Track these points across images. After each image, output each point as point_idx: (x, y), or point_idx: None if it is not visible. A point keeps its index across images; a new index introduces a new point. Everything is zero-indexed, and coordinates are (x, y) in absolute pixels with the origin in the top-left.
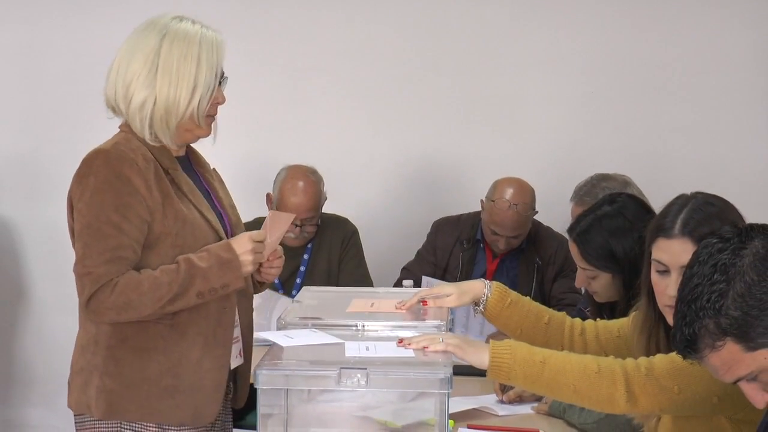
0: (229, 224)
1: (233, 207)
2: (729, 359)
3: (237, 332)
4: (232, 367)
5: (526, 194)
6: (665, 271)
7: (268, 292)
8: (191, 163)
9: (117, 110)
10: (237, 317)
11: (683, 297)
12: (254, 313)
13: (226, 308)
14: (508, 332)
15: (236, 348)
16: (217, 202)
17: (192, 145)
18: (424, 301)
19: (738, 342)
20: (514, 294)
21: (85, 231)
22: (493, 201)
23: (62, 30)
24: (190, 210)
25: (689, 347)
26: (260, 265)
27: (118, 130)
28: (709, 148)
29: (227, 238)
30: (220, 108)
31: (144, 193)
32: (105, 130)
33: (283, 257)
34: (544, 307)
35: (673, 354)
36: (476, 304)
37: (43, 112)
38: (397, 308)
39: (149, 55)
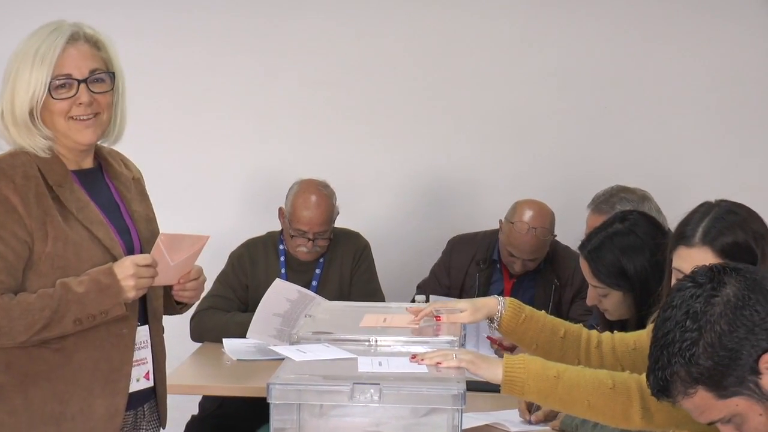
0: (137, 239)
1: (150, 220)
2: (701, 405)
3: (144, 354)
4: (133, 390)
5: (545, 218)
6: None
7: (301, 293)
8: (104, 173)
9: None
10: (145, 338)
11: (657, 340)
12: (280, 321)
13: (124, 332)
14: (524, 347)
15: (139, 371)
16: (128, 215)
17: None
18: (437, 316)
19: (709, 390)
20: (528, 309)
21: None
22: (512, 223)
23: None
24: (75, 229)
25: (662, 392)
26: (172, 286)
27: None
28: (726, 162)
29: (130, 254)
30: (232, 121)
31: (22, 212)
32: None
33: (201, 279)
34: (559, 321)
35: None
36: (491, 320)
37: None
38: (408, 312)
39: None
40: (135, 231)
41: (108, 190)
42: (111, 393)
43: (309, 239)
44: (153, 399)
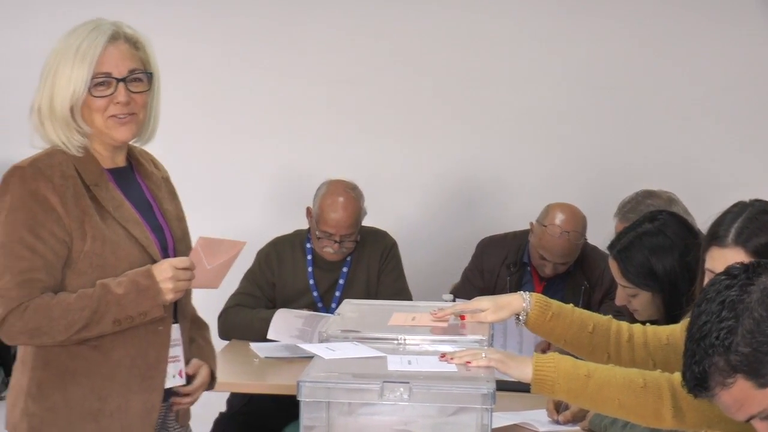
0: (171, 238)
1: (181, 219)
2: (740, 397)
3: (177, 351)
4: (168, 386)
5: (578, 222)
6: None
7: (311, 315)
8: (135, 172)
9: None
10: (177, 336)
11: (692, 335)
12: (297, 335)
13: (160, 329)
14: (552, 341)
15: (174, 368)
16: (160, 214)
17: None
18: (462, 316)
19: (749, 379)
20: (555, 305)
21: (0, 251)
22: (545, 226)
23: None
24: (113, 228)
25: (699, 385)
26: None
27: None
28: (757, 165)
29: (164, 253)
30: (260, 119)
31: (60, 211)
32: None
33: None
34: (588, 314)
35: None
36: (517, 317)
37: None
38: (431, 314)
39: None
40: (168, 229)
41: (140, 189)
42: (147, 389)
43: (335, 241)
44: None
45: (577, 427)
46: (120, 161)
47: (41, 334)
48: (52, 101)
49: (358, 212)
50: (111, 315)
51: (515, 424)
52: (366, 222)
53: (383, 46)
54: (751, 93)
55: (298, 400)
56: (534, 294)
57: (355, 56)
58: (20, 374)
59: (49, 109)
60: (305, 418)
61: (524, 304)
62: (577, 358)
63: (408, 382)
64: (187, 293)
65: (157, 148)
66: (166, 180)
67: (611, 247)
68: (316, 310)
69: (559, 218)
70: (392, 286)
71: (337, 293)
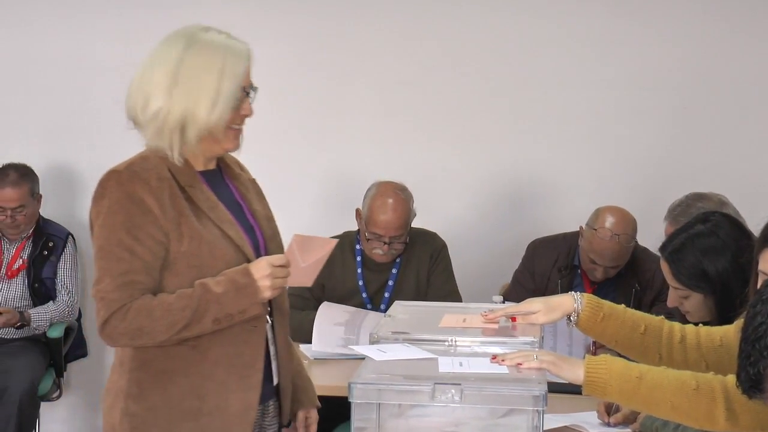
0: (262, 237)
1: (270, 219)
2: None
3: (273, 350)
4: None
5: (628, 225)
6: None
7: (355, 309)
8: (223, 175)
9: (136, 121)
10: (271, 335)
11: (747, 336)
12: (342, 329)
13: (256, 327)
14: (603, 342)
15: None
16: (250, 215)
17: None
18: (513, 317)
19: None
20: (607, 306)
21: (99, 254)
22: (595, 230)
23: (107, 41)
24: (209, 228)
25: (754, 387)
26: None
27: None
28: None
29: (258, 252)
30: (310, 121)
31: (157, 213)
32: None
33: None
34: (640, 315)
35: None
36: (568, 318)
37: (88, 122)
38: (482, 316)
39: (170, 65)
40: (259, 229)
41: (229, 191)
42: (244, 388)
43: (385, 243)
44: (275, 396)
45: (629, 430)
46: (211, 165)
47: (143, 335)
48: (194, 109)
49: (408, 213)
50: (211, 314)
51: (565, 426)
52: (415, 223)
53: (433, 47)
54: None
55: (349, 402)
56: (585, 294)
57: (405, 58)
58: (118, 376)
59: (186, 116)
60: (356, 419)
61: (575, 305)
62: (628, 359)
63: (459, 384)
64: (283, 291)
65: None
66: (253, 181)
67: (663, 248)
68: None
69: (609, 221)
70: (442, 288)
71: (387, 294)
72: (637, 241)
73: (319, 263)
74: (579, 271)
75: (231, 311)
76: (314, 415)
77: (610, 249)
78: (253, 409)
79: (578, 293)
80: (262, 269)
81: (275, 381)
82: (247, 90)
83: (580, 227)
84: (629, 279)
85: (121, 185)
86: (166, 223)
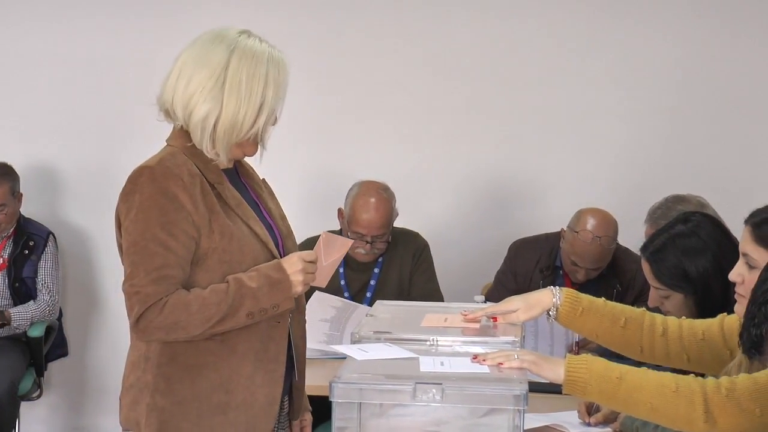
0: (279, 236)
1: (284, 218)
2: None
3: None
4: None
5: (609, 227)
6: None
7: (344, 302)
8: (239, 175)
9: (173, 116)
10: (291, 331)
11: (755, 299)
12: (327, 326)
13: (279, 323)
14: (585, 336)
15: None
16: (266, 213)
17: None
18: (494, 317)
19: None
20: (586, 300)
21: (131, 249)
22: (576, 232)
23: (139, 44)
24: (237, 224)
25: (754, 348)
26: None
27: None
28: None
29: (277, 250)
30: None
31: (190, 209)
32: None
33: None
34: (620, 308)
35: (757, 375)
36: (548, 313)
37: (119, 124)
38: (462, 314)
39: (216, 69)
40: (276, 228)
41: (245, 190)
42: (269, 382)
43: (367, 242)
44: (289, 392)
45: (609, 429)
46: (230, 164)
47: (179, 329)
48: (240, 116)
49: (390, 212)
50: (246, 308)
51: (546, 426)
52: (398, 223)
53: (416, 48)
54: None
55: (330, 401)
56: (564, 289)
57: (388, 59)
58: (142, 372)
59: (233, 122)
60: (337, 419)
61: (554, 300)
62: (611, 355)
63: (440, 384)
64: None
65: None
66: (264, 181)
67: (644, 248)
68: None
69: (590, 224)
70: (424, 288)
71: (369, 294)
72: (618, 243)
73: (335, 263)
74: (561, 271)
75: (265, 306)
76: (309, 418)
77: (591, 252)
78: (276, 403)
79: (557, 288)
80: (294, 264)
81: (295, 377)
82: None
83: (562, 229)
84: (610, 279)
85: (154, 181)
86: (198, 219)
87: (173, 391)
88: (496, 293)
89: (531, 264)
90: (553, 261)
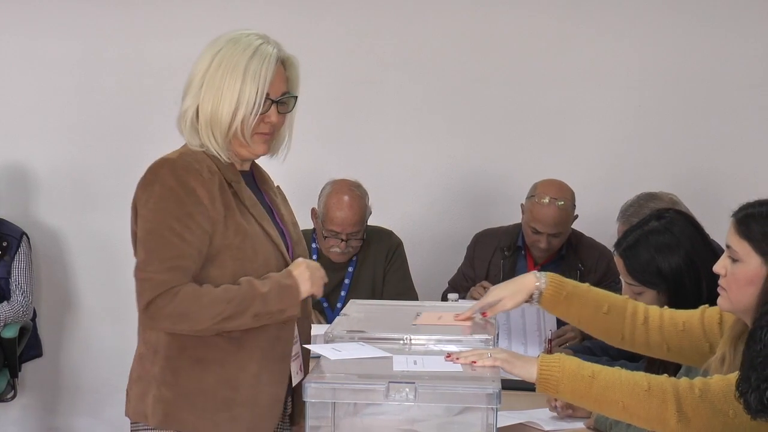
0: (290, 241)
1: (295, 225)
2: None
3: (297, 348)
4: (294, 383)
5: (566, 192)
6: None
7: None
8: (255, 179)
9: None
10: (296, 334)
11: (753, 362)
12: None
13: (286, 324)
14: (567, 321)
15: (296, 364)
16: (279, 219)
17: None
18: (483, 313)
19: None
20: (570, 285)
21: (147, 237)
22: (533, 197)
23: (113, 43)
24: (252, 224)
25: (762, 411)
26: None
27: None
28: (759, 166)
29: (288, 253)
30: None
31: (207, 204)
32: (152, 142)
33: None
34: (604, 294)
35: (731, 376)
36: (530, 297)
37: (92, 124)
38: (455, 319)
39: (204, 68)
40: (287, 233)
41: (260, 194)
42: (275, 382)
43: (342, 240)
44: (290, 394)
45: (582, 425)
46: (246, 167)
47: (186, 320)
48: (216, 111)
49: (364, 210)
50: (253, 309)
51: (520, 423)
52: (371, 221)
53: (389, 46)
54: (763, 93)
55: (304, 401)
56: (548, 273)
57: (361, 56)
58: (150, 364)
59: (211, 117)
60: (311, 418)
61: (538, 283)
62: (592, 338)
63: (413, 383)
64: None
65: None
66: (279, 188)
67: (617, 245)
68: (321, 309)
69: (546, 188)
70: (398, 286)
71: (343, 293)
72: (583, 233)
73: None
74: (523, 252)
75: (272, 309)
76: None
77: (550, 214)
78: (280, 402)
79: (541, 272)
80: (303, 272)
81: (300, 378)
82: (272, 98)
83: (521, 204)
84: (573, 260)
85: (174, 173)
86: (214, 215)
87: (180, 384)
88: (456, 280)
89: (490, 250)
90: (515, 241)
